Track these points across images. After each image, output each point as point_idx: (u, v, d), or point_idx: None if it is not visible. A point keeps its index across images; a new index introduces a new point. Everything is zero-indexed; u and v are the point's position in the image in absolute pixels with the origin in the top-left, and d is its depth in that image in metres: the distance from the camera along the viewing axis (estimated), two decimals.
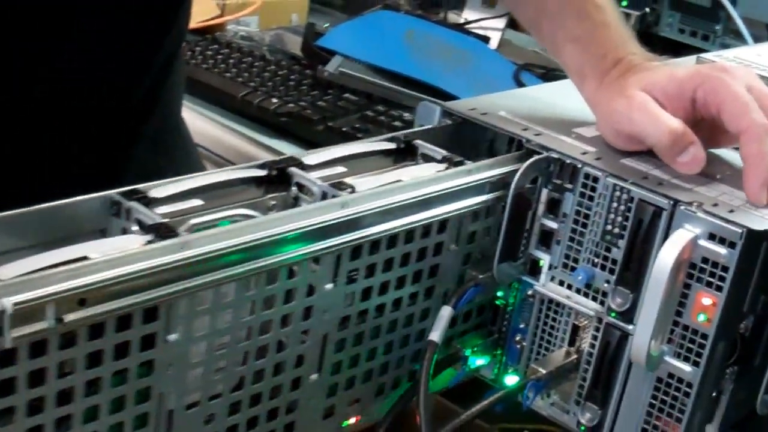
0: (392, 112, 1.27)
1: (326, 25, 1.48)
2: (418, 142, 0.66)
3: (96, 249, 0.47)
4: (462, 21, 1.69)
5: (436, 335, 0.62)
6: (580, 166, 0.64)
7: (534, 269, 0.66)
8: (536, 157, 0.65)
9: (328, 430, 0.63)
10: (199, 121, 1.30)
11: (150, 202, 0.54)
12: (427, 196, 0.60)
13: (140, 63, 0.88)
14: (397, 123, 1.23)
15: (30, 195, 0.53)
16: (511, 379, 0.69)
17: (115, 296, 0.47)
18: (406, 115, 1.26)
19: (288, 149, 1.25)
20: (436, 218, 0.61)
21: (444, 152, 0.65)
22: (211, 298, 0.52)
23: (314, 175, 0.60)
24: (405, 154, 0.66)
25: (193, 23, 1.49)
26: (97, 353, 0.47)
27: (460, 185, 0.62)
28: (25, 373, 0.45)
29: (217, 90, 1.34)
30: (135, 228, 0.52)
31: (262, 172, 0.60)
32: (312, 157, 0.62)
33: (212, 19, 1.53)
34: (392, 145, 0.66)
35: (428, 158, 0.65)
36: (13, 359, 0.45)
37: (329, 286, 0.57)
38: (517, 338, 0.68)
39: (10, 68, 0.78)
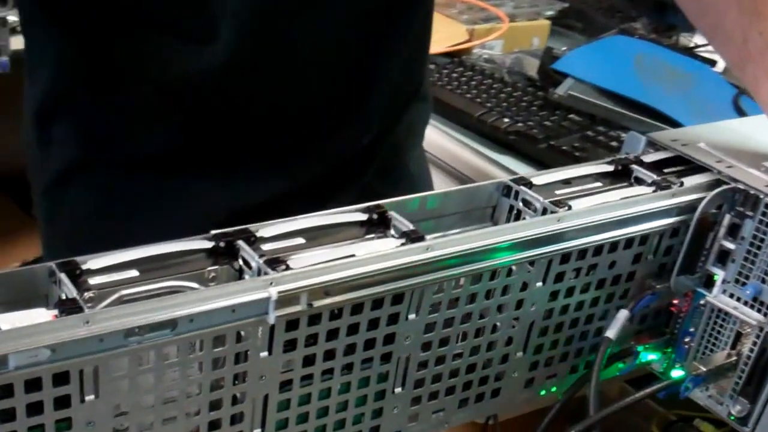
0: (611, 133, 1.39)
1: (564, 48, 1.61)
2: (633, 166, 0.80)
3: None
4: (692, 45, 1.78)
5: (611, 333, 0.76)
6: (762, 197, 0.75)
7: (708, 282, 0.78)
8: (724, 187, 0.77)
9: (528, 398, 0.78)
10: (438, 136, 1.48)
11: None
12: (626, 216, 0.73)
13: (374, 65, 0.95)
14: (614, 143, 1.35)
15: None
16: (676, 373, 0.81)
17: (353, 289, 0.63)
18: (624, 136, 1.37)
19: (514, 165, 1.38)
20: (635, 234, 0.74)
21: (654, 176, 0.78)
22: (445, 288, 0.67)
23: (538, 193, 0.74)
24: (621, 176, 0.80)
25: (443, 47, 1.66)
26: (335, 330, 0.64)
27: (657, 208, 0.75)
28: (281, 341, 0.62)
29: (457, 110, 1.49)
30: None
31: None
32: (540, 178, 0.76)
33: (461, 43, 1.68)
34: (611, 168, 0.80)
35: (640, 181, 0.79)
36: (273, 333, 0.62)
37: (539, 284, 0.72)
38: (686, 340, 0.81)
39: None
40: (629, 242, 0.75)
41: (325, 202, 0.92)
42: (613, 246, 0.74)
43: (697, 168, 0.80)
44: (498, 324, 0.72)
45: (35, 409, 0.56)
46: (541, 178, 0.76)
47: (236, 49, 0.85)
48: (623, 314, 0.76)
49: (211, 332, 0.60)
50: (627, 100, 1.44)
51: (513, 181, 0.75)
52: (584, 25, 1.82)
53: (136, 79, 0.90)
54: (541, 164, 1.36)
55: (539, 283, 0.72)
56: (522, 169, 1.36)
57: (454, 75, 1.58)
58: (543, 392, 0.79)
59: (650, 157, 0.81)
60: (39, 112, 0.95)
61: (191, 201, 0.93)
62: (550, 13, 1.80)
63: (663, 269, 0.79)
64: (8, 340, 0.53)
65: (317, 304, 0.62)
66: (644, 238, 0.75)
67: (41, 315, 0.57)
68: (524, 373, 0.76)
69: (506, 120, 1.43)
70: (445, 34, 1.67)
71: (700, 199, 0.76)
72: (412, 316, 0.67)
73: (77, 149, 0.94)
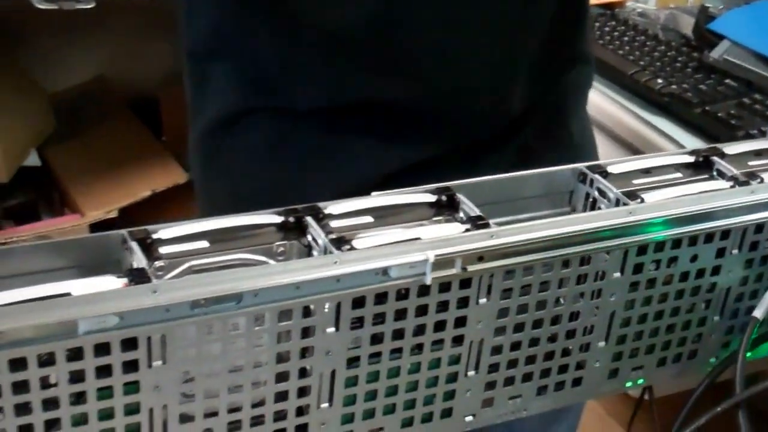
0: (767, 101, 1.34)
1: (720, 6, 1.55)
2: (715, 158, 0.77)
3: None
4: None
5: (758, 313, 0.75)
6: None
7: None
8: None
9: (612, 388, 0.77)
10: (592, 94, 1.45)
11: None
12: (699, 212, 0.71)
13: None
14: None
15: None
16: None
17: (504, 257, 0.65)
18: None
19: (666, 127, 1.36)
20: (715, 229, 0.72)
21: (735, 170, 0.76)
22: (515, 275, 0.68)
23: (612, 183, 0.73)
24: (702, 167, 0.78)
25: (595, 0, 1.63)
26: (403, 310, 0.65)
27: (732, 204, 0.72)
28: (435, 302, 0.65)
29: (610, 66, 1.47)
30: None
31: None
32: (617, 167, 0.75)
33: None
34: (691, 159, 0.77)
35: (722, 174, 0.76)
36: (428, 292, 0.65)
37: (617, 274, 0.71)
38: None
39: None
40: (709, 237, 0.72)
41: (478, 163, 0.93)
42: (692, 239, 0.72)
43: None
44: (577, 312, 0.72)
45: (104, 371, 0.60)
46: (619, 166, 0.74)
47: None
48: None
49: (275, 307, 0.62)
50: None
51: (588, 168, 0.74)
52: None
53: (301, 23, 0.90)
54: (697, 129, 1.33)
55: (617, 274, 0.71)
56: (677, 133, 1.34)
57: (606, 29, 1.55)
58: (629, 383, 0.78)
59: (735, 149, 0.78)
60: (198, 52, 0.97)
61: (352, 159, 0.94)
62: None
63: None
64: (78, 306, 0.57)
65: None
66: (725, 233, 0.73)
67: (111, 282, 0.60)
68: (607, 363, 0.76)
69: (660, 81, 1.40)
70: None
71: None
72: (482, 300, 0.67)
73: (240, 93, 0.95)
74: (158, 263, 0.63)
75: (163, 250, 0.64)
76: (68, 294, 0.58)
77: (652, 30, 1.55)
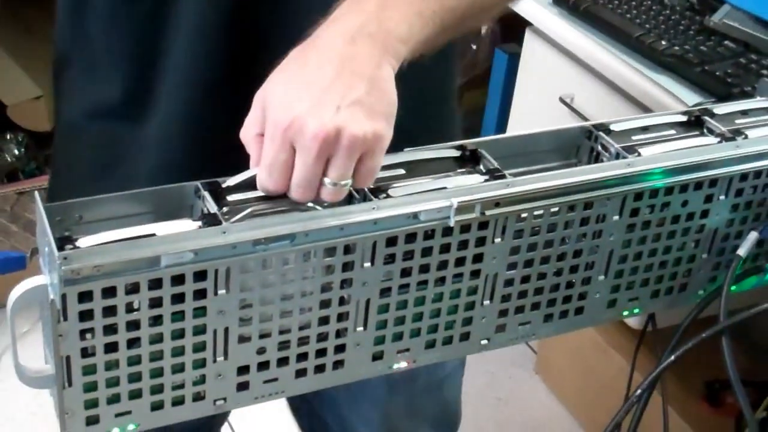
0: (764, 61, 1.42)
1: None
2: (705, 117, 0.87)
3: None
4: None
5: (742, 251, 0.85)
6: None
7: None
8: None
9: (610, 317, 0.88)
10: (599, 52, 1.55)
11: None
12: (689, 164, 0.81)
13: None
14: (765, 71, 1.39)
15: None
16: None
17: (517, 203, 0.75)
18: None
19: (669, 85, 1.44)
20: (703, 178, 0.82)
21: (722, 127, 0.85)
22: (527, 218, 0.78)
23: (614, 140, 0.83)
24: (694, 125, 0.87)
25: None
26: (429, 248, 0.76)
27: (719, 157, 0.82)
28: (456, 241, 0.76)
29: (617, 28, 1.54)
30: None
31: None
32: (619, 125, 0.84)
33: None
34: (684, 118, 0.87)
35: (711, 131, 0.86)
36: (450, 233, 0.75)
37: (616, 217, 0.81)
38: None
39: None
40: (698, 185, 0.82)
41: None
42: (683, 187, 0.81)
43: None
44: (580, 250, 0.82)
45: (178, 298, 0.70)
46: (620, 124, 0.84)
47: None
48: (753, 236, 0.86)
49: (322, 245, 0.72)
50: None
51: (594, 126, 0.83)
52: None
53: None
54: (697, 86, 1.42)
55: (616, 217, 0.81)
56: (678, 90, 1.42)
57: None
58: (626, 312, 0.88)
59: (724, 109, 0.88)
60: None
61: None
62: None
63: None
64: (161, 244, 0.68)
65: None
66: (713, 182, 0.83)
67: (187, 225, 0.71)
68: (606, 294, 0.86)
69: (663, 42, 1.48)
70: None
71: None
72: (497, 240, 0.77)
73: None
74: (226, 208, 0.73)
75: (230, 197, 0.74)
76: (153, 234, 0.69)
77: None
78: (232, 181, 0.74)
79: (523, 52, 1.79)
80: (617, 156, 0.81)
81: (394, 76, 0.74)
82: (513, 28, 1.85)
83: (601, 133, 0.83)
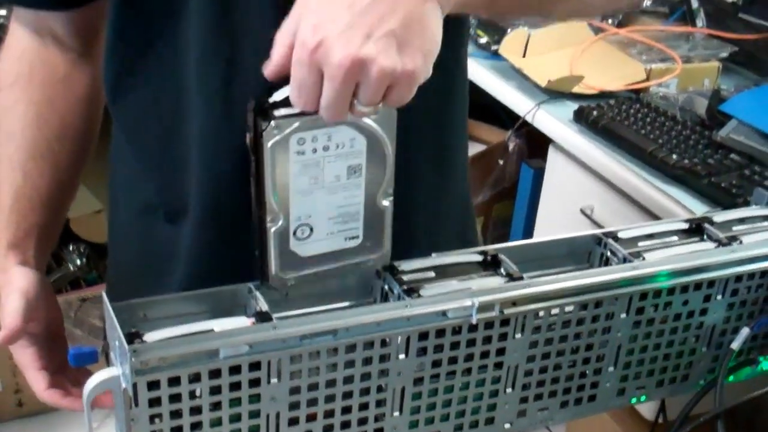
0: (766, 173, 1.50)
1: (732, 89, 1.72)
2: (705, 225, 0.94)
3: None
4: None
5: (735, 345, 0.91)
6: None
7: None
8: None
9: (620, 403, 0.94)
10: (615, 166, 1.63)
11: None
12: (689, 267, 0.88)
13: None
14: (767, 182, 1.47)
15: None
16: None
17: (533, 302, 0.82)
18: None
19: (679, 195, 1.52)
20: (702, 280, 0.89)
21: (720, 234, 0.93)
22: (543, 315, 0.85)
23: (622, 246, 0.91)
24: (694, 232, 0.95)
25: (622, 86, 1.81)
26: (456, 343, 0.83)
27: (717, 261, 0.89)
28: (481, 336, 0.83)
29: (632, 143, 1.63)
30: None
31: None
32: (627, 232, 0.92)
33: (640, 82, 1.82)
34: (685, 226, 0.95)
35: (710, 237, 0.93)
36: (475, 329, 0.82)
37: (623, 315, 0.89)
38: None
39: None
40: (698, 286, 0.89)
41: None
42: (684, 288, 0.89)
43: None
44: (591, 344, 0.89)
45: (235, 386, 0.78)
46: (628, 232, 0.92)
47: None
48: (745, 331, 0.93)
49: (362, 339, 0.80)
50: None
51: (603, 234, 0.91)
52: (754, 66, 1.91)
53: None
54: (705, 196, 1.50)
55: (623, 314, 0.88)
56: (687, 201, 1.50)
57: (632, 111, 1.72)
58: (633, 399, 0.95)
59: (722, 217, 0.95)
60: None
61: None
62: (723, 55, 1.89)
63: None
64: (219, 339, 0.76)
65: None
66: (711, 283, 0.90)
67: (242, 321, 0.79)
68: (616, 383, 0.93)
69: (674, 156, 1.57)
70: (625, 72, 1.82)
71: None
72: (518, 335, 0.85)
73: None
74: (273, 122, 0.75)
75: (277, 113, 0.75)
76: (212, 330, 0.77)
77: (672, 111, 1.71)
78: (276, 96, 0.75)
79: (547, 166, 1.88)
80: (624, 260, 0.89)
81: (440, 16, 0.71)
82: (538, 145, 1.94)
83: (610, 240, 0.91)
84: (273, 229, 0.80)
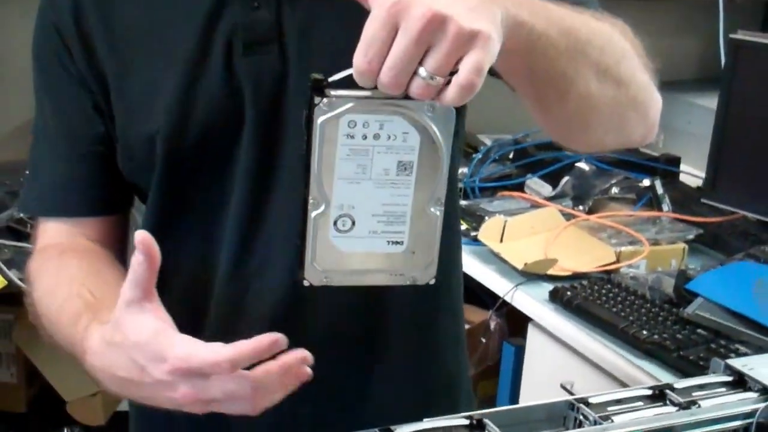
0: (731, 346, 1.59)
1: (698, 268, 1.83)
2: (667, 390, 1.03)
3: None
4: None
5: None
6: None
7: None
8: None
9: None
10: (590, 342, 1.73)
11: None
12: (652, 429, 0.96)
13: None
14: (732, 355, 1.55)
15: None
16: None
17: None
18: (742, 349, 1.58)
19: (650, 368, 1.61)
20: None
21: (681, 399, 1.01)
22: None
23: (593, 410, 0.99)
24: (658, 398, 1.03)
25: (594, 267, 1.92)
26: None
27: (677, 423, 0.97)
28: None
29: (604, 321, 1.73)
30: None
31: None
32: (597, 398, 1.00)
33: (611, 264, 1.93)
34: (650, 392, 1.03)
35: (672, 402, 1.02)
36: None
37: None
38: None
39: None
40: None
41: None
42: None
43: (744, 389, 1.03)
44: None
45: None
46: (598, 398, 1.00)
47: None
48: None
49: None
50: (746, 319, 1.64)
51: (576, 400, 0.99)
52: (719, 246, 2.03)
53: None
54: (676, 369, 1.59)
55: None
56: (659, 374, 1.59)
57: (604, 291, 1.82)
58: None
59: (683, 384, 1.04)
60: None
61: None
62: (689, 237, 2.02)
63: None
64: None
65: None
66: None
67: None
68: None
69: (645, 332, 1.66)
70: (596, 255, 1.93)
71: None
72: None
73: None
74: (326, 99, 0.74)
75: (333, 92, 0.75)
76: None
77: (641, 290, 1.81)
78: (337, 76, 0.74)
79: (528, 344, 1.97)
80: (595, 423, 0.97)
81: (499, 20, 0.73)
82: (518, 323, 2.03)
83: (582, 405, 0.99)
84: (314, 214, 0.77)
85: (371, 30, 0.69)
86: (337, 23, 0.80)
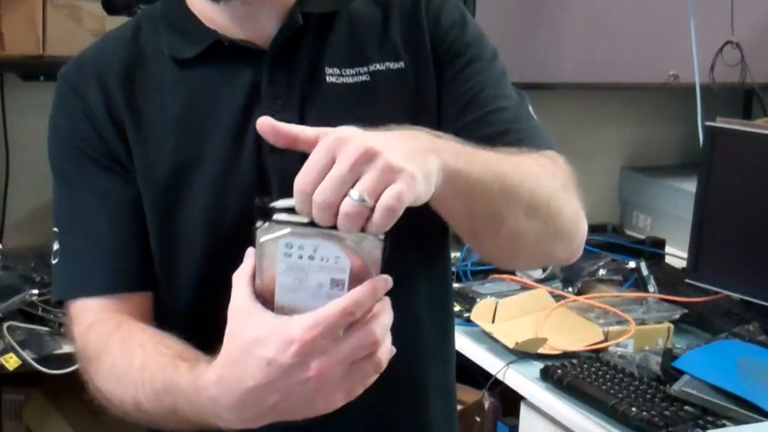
0: (718, 422, 1.63)
1: (684, 347, 1.88)
2: None
3: None
4: None
5: None
6: None
7: None
8: None
9: None
10: (582, 420, 1.76)
11: None
12: None
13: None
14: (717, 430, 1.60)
15: None
16: None
17: None
18: (729, 425, 1.62)
19: None
20: None
21: None
22: None
23: None
24: None
25: (583, 346, 1.96)
26: None
27: None
28: None
29: (595, 398, 1.77)
30: None
31: None
32: None
33: (599, 343, 1.97)
34: None
35: None
36: None
37: None
38: None
39: None
40: None
41: None
42: None
43: None
44: None
45: None
46: None
47: None
48: None
49: None
50: (732, 395, 1.68)
51: None
52: (704, 326, 2.08)
53: None
54: None
55: None
56: None
57: (593, 369, 1.86)
58: None
59: None
60: None
61: None
62: (675, 316, 2.06)
63: None
64: None
65: None
66: None
67: None
68: None
69: (634, 409, 1.70)
70: (585, 335, 1.98)
71: None
72: None
73: None
74: (267, 223, 0.84)
75: (276, 216, 0.84)
76: None
77: (629, 369, 1.84)
78: (280, 203, 0.84)
79: (521, 423, 1.99)
80: None
81: (435, 170, 0.84)
82: (512, 402, 2.06)
83: None
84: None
85: (314, 158, 0.80)
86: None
